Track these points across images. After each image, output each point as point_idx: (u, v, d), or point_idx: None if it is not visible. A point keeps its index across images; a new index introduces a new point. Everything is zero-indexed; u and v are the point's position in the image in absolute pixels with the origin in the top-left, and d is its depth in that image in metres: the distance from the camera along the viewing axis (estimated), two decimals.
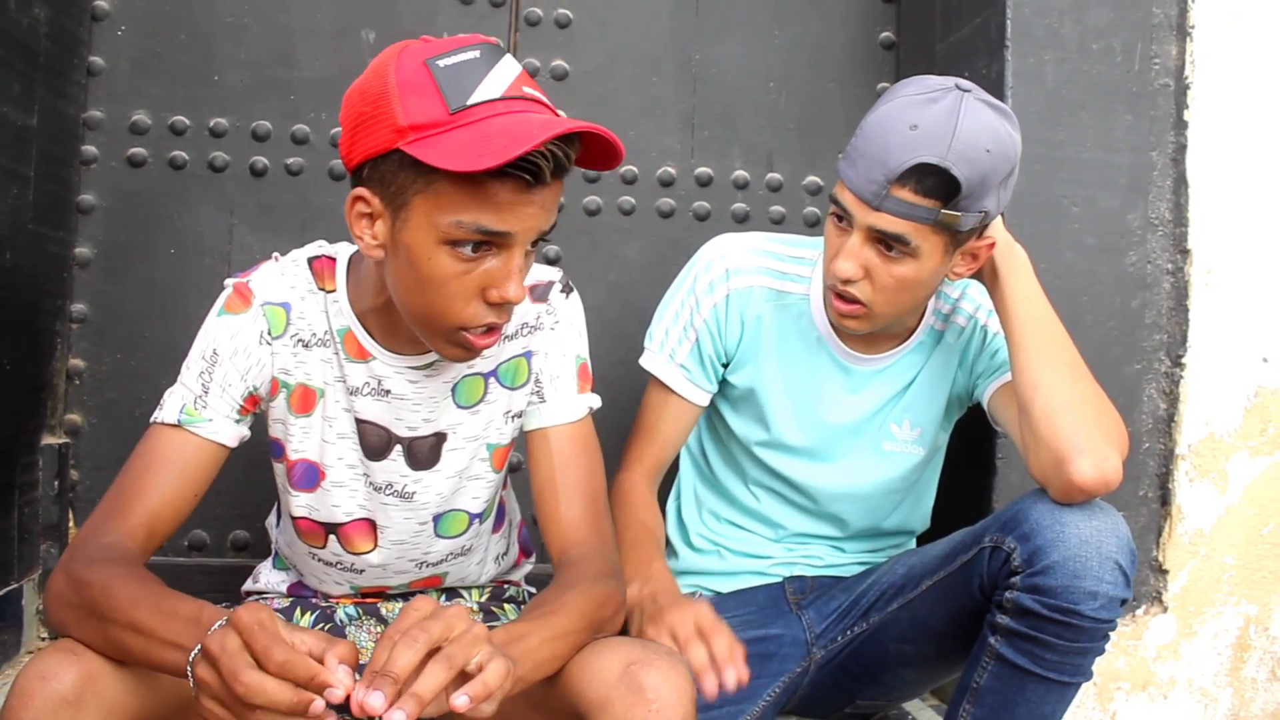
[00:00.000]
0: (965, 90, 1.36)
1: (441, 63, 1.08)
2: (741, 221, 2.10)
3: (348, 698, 0.91)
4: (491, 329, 1.17)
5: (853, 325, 1.48)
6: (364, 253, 1.16)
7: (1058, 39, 1.81)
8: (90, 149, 1.96)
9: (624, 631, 1.26)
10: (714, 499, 1.70)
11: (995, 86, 1.81)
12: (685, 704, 1.06)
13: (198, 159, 1.98)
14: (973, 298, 1.60)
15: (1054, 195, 1.80)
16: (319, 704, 0.90)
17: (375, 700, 0.89)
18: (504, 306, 1.16)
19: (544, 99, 1.12)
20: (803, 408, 1.59)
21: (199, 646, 0.94)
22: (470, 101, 1.07)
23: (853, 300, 1.44)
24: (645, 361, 1.62)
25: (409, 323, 1.20)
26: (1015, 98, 1.79)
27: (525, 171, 1.06)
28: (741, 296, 1.57)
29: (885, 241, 1.38)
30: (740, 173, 2.11)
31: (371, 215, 1.13)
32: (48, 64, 1.80)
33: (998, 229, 1.46)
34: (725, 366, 1.62)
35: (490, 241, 1.11)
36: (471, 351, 1.20)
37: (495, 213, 1.09)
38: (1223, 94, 1.84)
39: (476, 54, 1.10)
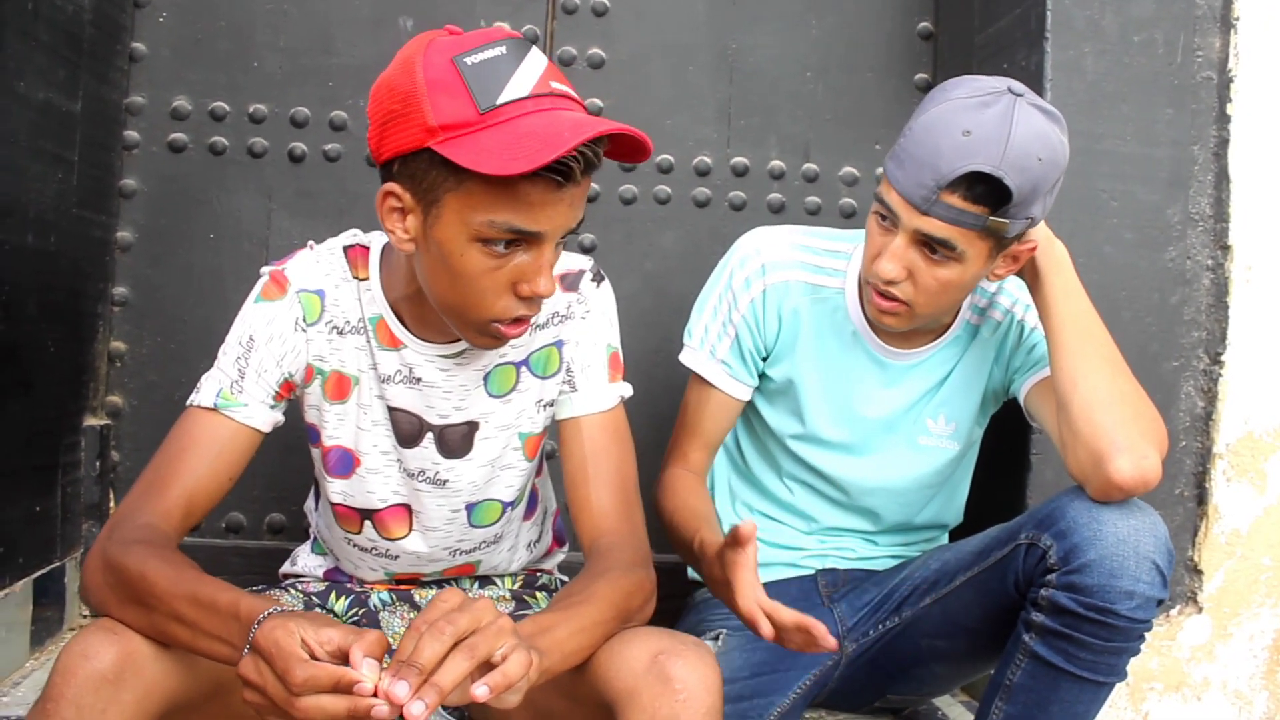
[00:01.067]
0: (1018, 95, 1.35)
1: (469, 60, 1.08)
2: (777, 212, 2.10)
3: None
4: (520, 320, 1.19)
5: (891, 322, 1.48)
6: (395, 246, 1.18)
7: (1098, 30, 1.79)
8: (132, 134, 1.98)
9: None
10: (748, 491, 1.70)
11: (1034, 78, 1.79)
12: (713, 694, 1.06)
13: (237, 145, 2.00)
14: (1010, 292, 1.59)
15: (1093, 189, 1.78)
16: (380, 710, 0.91)
17: (400, 690, 0.90)
18: (534, 300, 1.17)
19: (572, 93, 1.13)
20: (838, 402, 1.59)
21: (253, 629, 0.96)
22: (500, 101, 1.07)
23: (893, 298, 1.44)
24: (685, 358, 1.61)
25: (440, 313, 1.22)
26: (1054, 90, 1.78)
27: (556, 173, 1.07)
28: (779, 291, 1.57)
29: (930, 245, 1.37)
30: (776, 163, 2.11)
31: (403, 210, 1.14)
32: (91, 50, 1.82)
33: (1039, 228, 1.45)
34: (764, 360, 1.61)
35: (521, 239, 1.12)
36: (501, 341, 1.22)
37: (527, 212, 1.10)
38: (1267, 88, 1.81)
39: (503, 50, 1.09)
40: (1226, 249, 1.81)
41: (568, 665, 1.09)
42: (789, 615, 1.18)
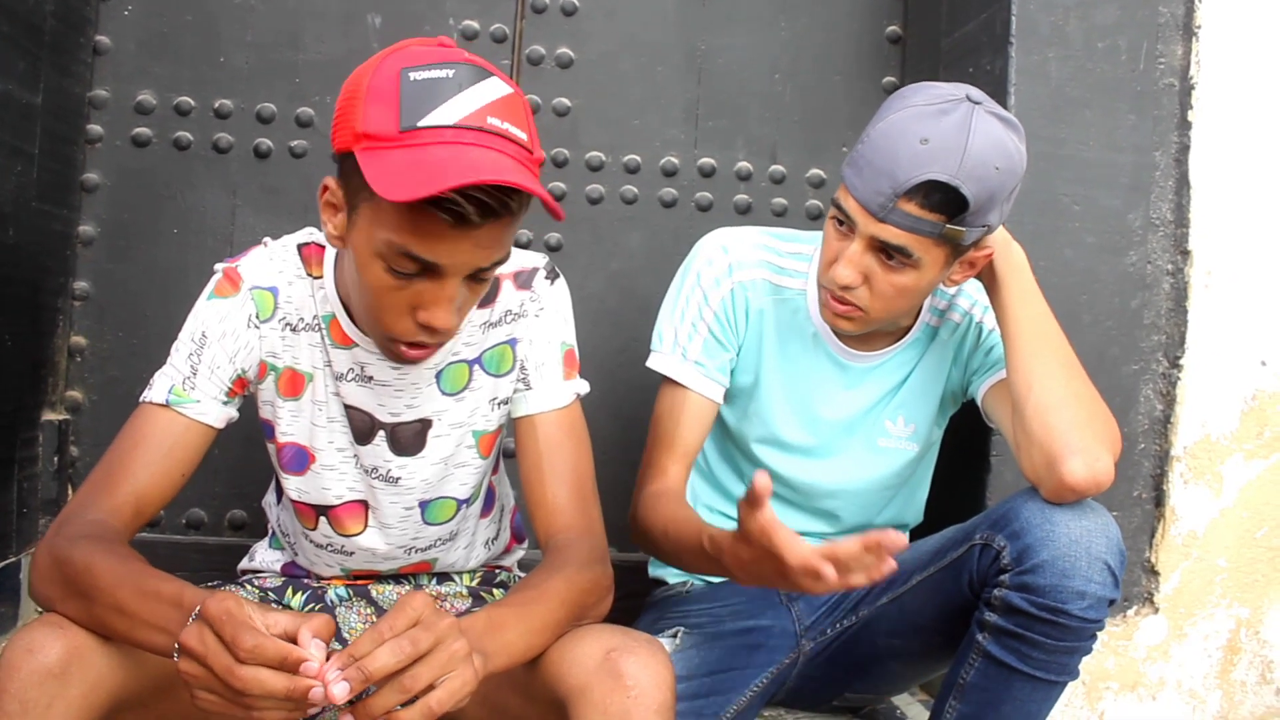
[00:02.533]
0: (976, 102, 1.35)
1: (414, 75, 1.07)
2: (744, 213, 2.10)
3: None
4: (419, 345, 1.17)
5: (846, 326, 1.48)
6: (328, 240, 1.18)
7: (1063, 36, 1.81)
8: (95, 128, 1.97)
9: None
10: (710, 493, 1.70)
11: (999, 83, 1.81)
12: (664, 690, 1.07)
13: (202, 140, 1.99)
14: (969, 294, 1.60)
15: (1055, 193, 1.80)
16: (317, 692, 0.91)
17: (338, 690, 0.91)
18: (432, 330, 1.14)
19: (514, 132, 1.08)
20: (800, 404, 1.59)
21: (192, 617, 0.95)
22: (420, 124, 1.05)
23: (848, 303, 1.44)
24: (655, 363, 1.57)
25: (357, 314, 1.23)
26: (1018, 94, 1.79)
27: (447, 212, 1.04)
28: (745, 289, 1.57)
29: (886, 251, 1.37)
30: (743, 164, 2.11)
31: (334, 206, 1.15)
32: (53, 42, 1.80)
33: (997, 232, 1.45)
34: (735, 357, 1.60)
35: (421, 269, 1.10)
36: (404, 360, 1.21)
37: (424, 243, 1.07)
38: (1228, 96, 1.83)
39: (451, 73, 1.07)
40: (1186, 254, 1.82)
41: (515, 664, 1.09)
42: (849, 546, 1.05)
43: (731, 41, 2.11)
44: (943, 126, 1.32)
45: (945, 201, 1.32)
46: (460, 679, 0.97)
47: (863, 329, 1.49)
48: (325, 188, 1.15)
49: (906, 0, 2.16)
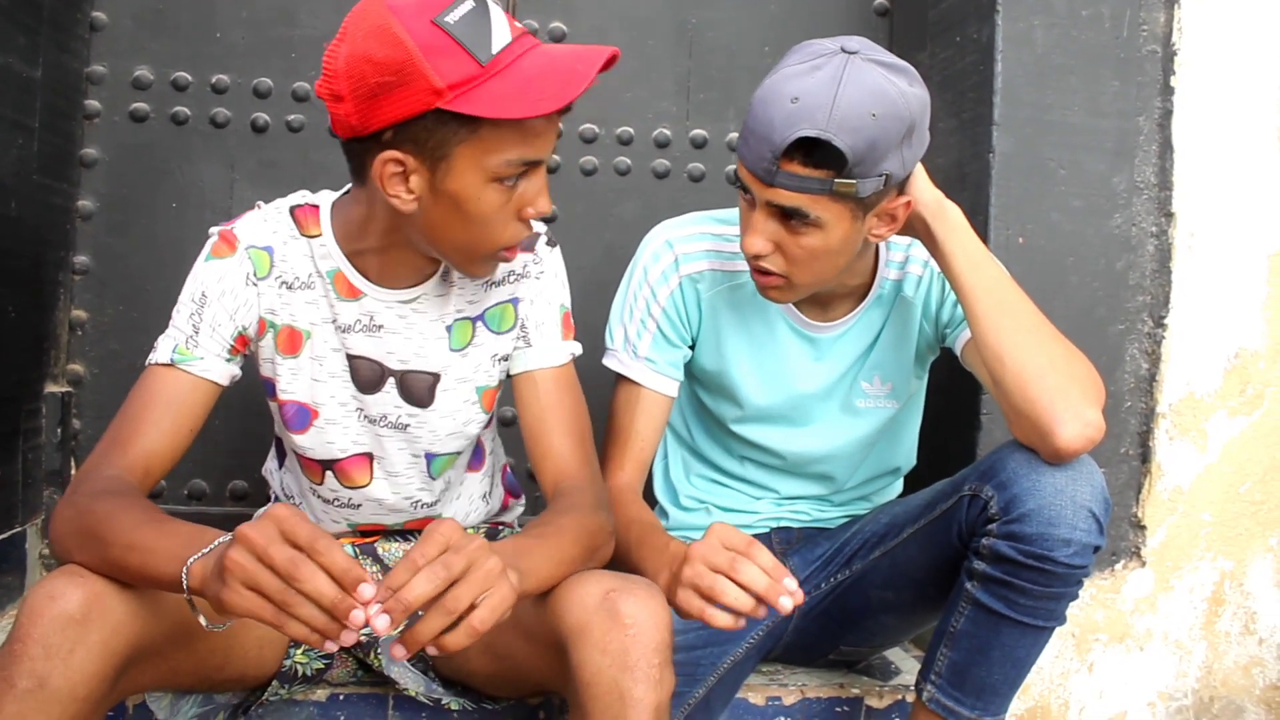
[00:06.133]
0: (851, 52, 1.32)
1: (449, 19, 1.13)
2: (734, 183, 2.12)
3: None
4: (523, 243, 1.31)
5: (775, 296, 1.47)
6: (399, 209, 1.21)
7: (1047, 4, 1.83)
8: (93, 103, 1.98)
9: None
10: (701, 465, 1.72)
11: (985, 51, 1.83)
12: (662, 630, 1.10)
13: (199, 115, 2.01)
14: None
15: (1041, 158, 1.82)
16: (358, 615, 0.93)
17: (380, 623, 0.93)
18: (533, 223, 1.29)
19: (527, 26, 1.22)
20: (771, 382, 1.60)
21: (211, 545, 0.98)
22: (494, 52, 1.14)
23: (768, 273, 1.42)
24: (608, 361, 1.59)
25: (445, 256, 1.28)
26: (1005, 62, 1.81)
27: (554, 111, 1.15)
28: (694, 281, 1.57)
29: (785, 214, 1.36)
30: (734, 135, 2.14)
31: (405, 173, 1.18)
32: (51, 18, 1.82)
33: (921, 187, 1.43)
34: (691, 349, 1.61)
35: (526, 168, 1.20)
36: (495, 266, 1.31)
37: (534, 143, 1.18)
38: (1209, 61, 1.86)
39: (472, 4, 1.15)
40: (1170, 216, 1.85)
41: (543, 589, 1.13)
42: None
43: (721, 15, 2.14)
44: (811, 82, 1.30)
45: (825, 157, 1.29)
46: (499, 594, 1.00)
47: (794, 296, 1.48)
48: (388, 161, 1.17)
49: None
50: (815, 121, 1.28)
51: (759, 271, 1.43)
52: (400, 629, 0.99)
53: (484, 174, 1.18)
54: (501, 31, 1.15)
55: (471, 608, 0.98)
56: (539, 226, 1.42)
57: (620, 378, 1.59)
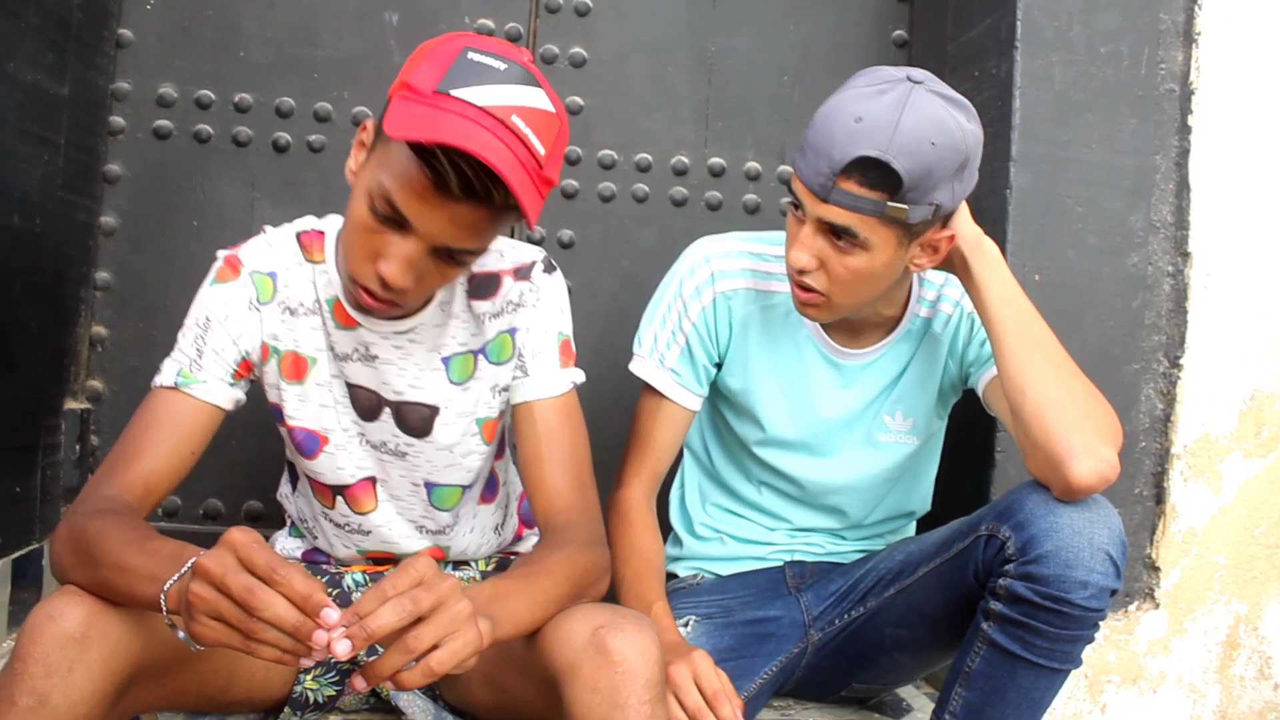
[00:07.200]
0: (917, 82, 1.35)
1: (472, 55, 1.13)
2: (753, 213, 2.14)
3: None
4: (372, 295, 1.21)
5: (812, 314, 1.49)
6: (346, 174, 1.23)
7: (1067, 41, 1.84)
8: (117, 120, 2.00)
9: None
10: (718, 493, 1.73)
11: (1004, 86, 1.84)
12: (651, 666, 1.08)
13: (222, 133, 2.02)
14: (957, 284, 1.59)
15: (1058, 195, 1.83)
16: (321, 636, 0.92)
17: (341, 647, 0.92)
18: (386, 286, 1.19)
19: (528, 138, 1.12)
20: (796, 406, 1.61)
21: (186, 567, 0.97)
22: (453, 92, 1.11)
23: (809, 289, 1.44)
24: (635, 367, 1.62)
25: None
26: (1023, 98, 1.82)
27: (433, 170, 1.11)
28: (728, 299, 1.59)
29: (835, 232, 1.38)
30: (752, 164, 2.15)
31: (363, 143, 1.21)
32: (79, 35, 1.83)
33: (962, 222, 1.45)
34: (718, 368, 1.63)
35: (394, 218, 1.16)
36: (361, 309, 1.27)
37: (405, 194, 1.13)
38: (1226, 100, 1.86)
39: (504, 67, 1.14)
40: (1186, 255, 1.86)
41: (521, 634, 1.12)
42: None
43: (741, 43, 2.15)
44: (877, 105, 1.33)
45: (881, 178, 1.32)
46: (462, 640, 0.98)
47: (830, 316, 1.50)
48: (364, 126, 1.22)
49: (913, 5, 2.19)
50: (876, 142, 1.31)
51: (800, 287, 1.45)
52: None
53: (368, 183, 1.17)
54: (486, 95, 1.11)
55: (436, 648, 0.97)
56: (536, 253, 1.42)
57: (645, 385, 1.61)
